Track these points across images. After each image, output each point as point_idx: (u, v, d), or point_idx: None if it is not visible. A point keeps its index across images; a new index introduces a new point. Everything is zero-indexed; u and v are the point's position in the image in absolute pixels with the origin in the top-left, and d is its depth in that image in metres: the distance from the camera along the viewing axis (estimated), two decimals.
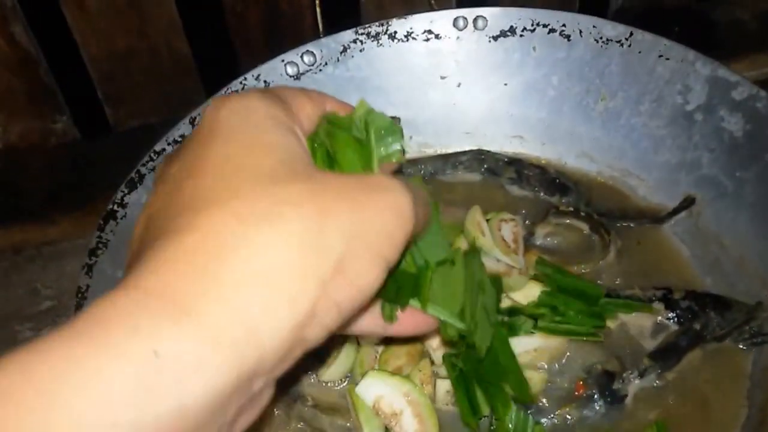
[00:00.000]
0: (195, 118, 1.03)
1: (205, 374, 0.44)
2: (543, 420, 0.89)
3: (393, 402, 0.88)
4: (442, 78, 1.14)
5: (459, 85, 1.14)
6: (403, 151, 0.65)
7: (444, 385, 0.91)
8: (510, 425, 0.84)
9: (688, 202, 1.05)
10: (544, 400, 0.90)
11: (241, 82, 1.07)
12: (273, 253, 0.48)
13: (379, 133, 0.64)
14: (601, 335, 0.93)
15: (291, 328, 0.48)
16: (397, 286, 0.66)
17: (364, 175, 0.60)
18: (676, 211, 1.06)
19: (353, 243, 0.51)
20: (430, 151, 1.15)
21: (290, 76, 1.09)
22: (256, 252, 0.47)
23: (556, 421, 0.90)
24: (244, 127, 0.55)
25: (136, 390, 0.41)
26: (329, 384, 0.95)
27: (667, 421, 0.89)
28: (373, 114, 0.66)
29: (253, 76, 1.08)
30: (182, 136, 1.02)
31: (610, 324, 0.95)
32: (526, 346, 0.92)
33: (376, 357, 0.94)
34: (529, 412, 0.86)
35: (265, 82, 1.08)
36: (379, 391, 0.88)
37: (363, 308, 0.57)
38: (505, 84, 1.13)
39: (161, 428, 0.42)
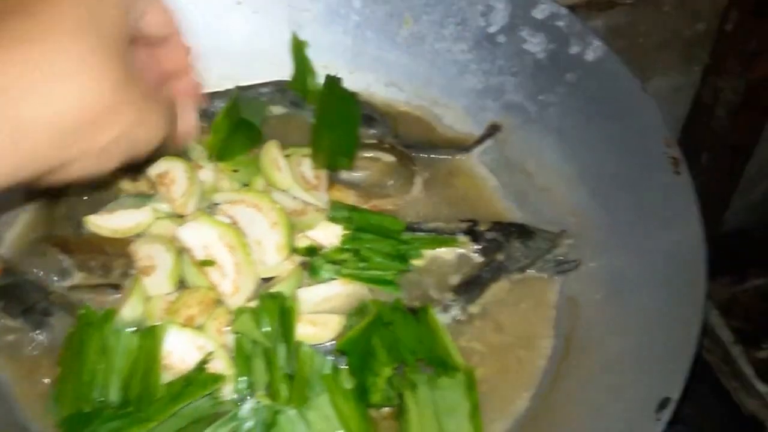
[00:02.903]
0: None
1: None
2: (340, 362, 0.86)
3: (185, 356, 0.85)
4: (238, 3, 1.10)
5: (256, 12, 1.10)
6: None
7: None
8: (306, 368, 0.82)
9: (493, 130, 1.05)
10: None
11: None
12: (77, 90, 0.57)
13: None
14: (399, 289, 0.93)
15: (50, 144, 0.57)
16: None
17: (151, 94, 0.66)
18: (481, 140, 1.06)
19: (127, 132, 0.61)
20: (229, 84, 1.10)
21: None
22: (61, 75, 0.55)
23: None
24: None
25: None
26: None
27: (470, 356, 0.90)
28: None
29: None
30: None
31: (417, 262, 0.95)
32: (327, 293, 0.92)
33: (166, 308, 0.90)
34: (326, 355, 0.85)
35: None
36: (168, 345, 0.85)
37: None
38: (306, 10, 1.09)
39: None
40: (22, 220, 1.00)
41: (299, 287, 0.92)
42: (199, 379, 0.82)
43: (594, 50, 0.95)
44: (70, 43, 0.56)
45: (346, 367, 0.85)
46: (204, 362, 0.83)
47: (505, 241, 0.96)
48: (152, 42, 0.76)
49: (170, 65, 0.80)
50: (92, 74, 0.57)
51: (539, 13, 0.98)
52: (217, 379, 0.83)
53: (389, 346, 0.86)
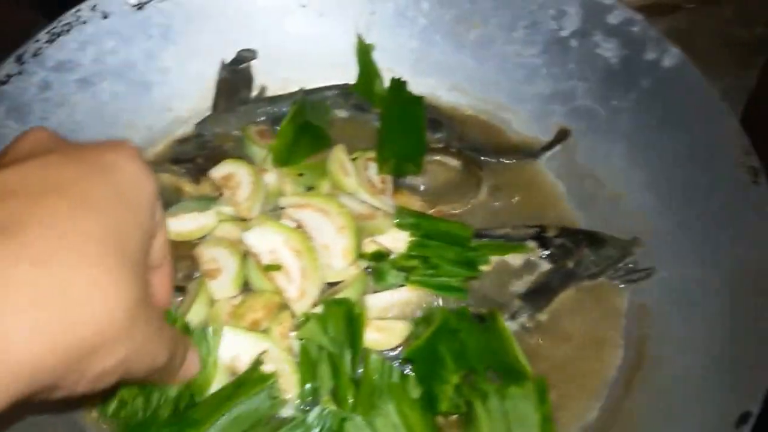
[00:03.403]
0: (22, 55, 0.97)
1: None
2: (407, 369, 0.86)
3: (252, 360, 0.85)
4: (303, 6, 1.09)
5: (321, 14, 1.10)
6: None
7: None
8: (374, 375, 0.82)
9: (562, 135, 1.04)
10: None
11: (75, 14, 1.01)
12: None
13: None
14: (466, 296, 0.92)
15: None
16: None
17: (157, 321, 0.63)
18: (550, 145, 1.05)
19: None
20: (293, 87, 1.10)
21: (133, 6, 1.03)
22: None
23: None
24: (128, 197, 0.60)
25: None
26: None
27: (538, 364, 0.88)
28: None
29: (89, 6, 1.01)
30: (8, 75, 0.96)
31: (483, 268, 0.94)
32: (393, 299, 0.91)
33: (232, 311, 0.90)
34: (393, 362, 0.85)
35: (103, 13, 1.02)
36: (235, 349, 0.85)
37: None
38: (373, 12, 1.09)
39: None
40: None
41: (364, 293, 0.92)
42: (250, 378, 0.83)
43: (669, 57, 0.93)
44: (90, 265, 0.53)
45: (412, 374, 0.85)
46: (258, 363, 0.84)
47: (575, 248, 0.94)
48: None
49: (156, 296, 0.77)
50: (107, 299, 0.54)
51: (613, 18, 0.96)
52: (266, 377, 0.83)
53: (456, 354, 0.85)
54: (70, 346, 0.51)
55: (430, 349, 0.85)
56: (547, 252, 0.95)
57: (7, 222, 0.51)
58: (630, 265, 0.94)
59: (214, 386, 0.83)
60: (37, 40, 0.99)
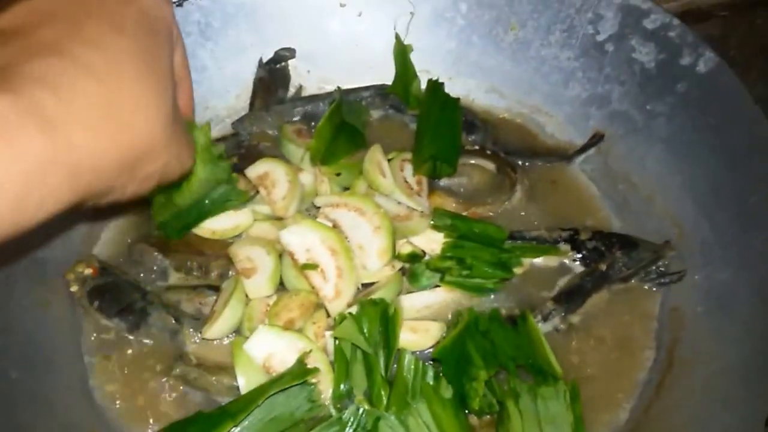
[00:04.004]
0: None
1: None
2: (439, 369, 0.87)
3: (286, 359, 0.87)
4: (342, 6, 1.11)
5: (360, 14, 1.11)
6: None
7: None
8: (408, 375, 0.84)
9: (597, 139, 1.05)
10: None
11: None
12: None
13: None
14: (500, 296, 0.95)
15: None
16: None
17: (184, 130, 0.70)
18: (585, 149, 1.06)
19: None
20: (329, 87, 1.12)
21: (172, 3, 1.04)
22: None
23: None
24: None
25: None
26: (215, 342, 0.92)
27: (570, 365, 0.90)
28: None
29: None
30: None
31: (517, 270, 0.96)
32: (428, 300, 0.93)
33: (266, 310, 0.92)
34: (427, 362, 0.86)
35: None
36: (270, 347, 0.87)
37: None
38: (411, 12, 1.10)
39: None
40: (119, 220, 1.03)
41: (399, 294, 0.93)
42: (290, 372, 0.84)
43: (706, 61, 0.94)
44: (133, 80, 0.59)
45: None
46: (301, 362, 0.85)
47: (608, 251, 0.96)
48: None
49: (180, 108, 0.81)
50: (150, 111, 0.60)
51: (650, 23, 0.97)
52: (308, 371, 0.84)
53: (485, 353, 0.87)
54: (126, 150, 0.58)
55: (458, 348, 0.87)
56: (579, 255, 0.97)
57: (56, 42, 0.56)
58: (662, 269, 0.95)
59: (250, 386, 0.85)
60: None
